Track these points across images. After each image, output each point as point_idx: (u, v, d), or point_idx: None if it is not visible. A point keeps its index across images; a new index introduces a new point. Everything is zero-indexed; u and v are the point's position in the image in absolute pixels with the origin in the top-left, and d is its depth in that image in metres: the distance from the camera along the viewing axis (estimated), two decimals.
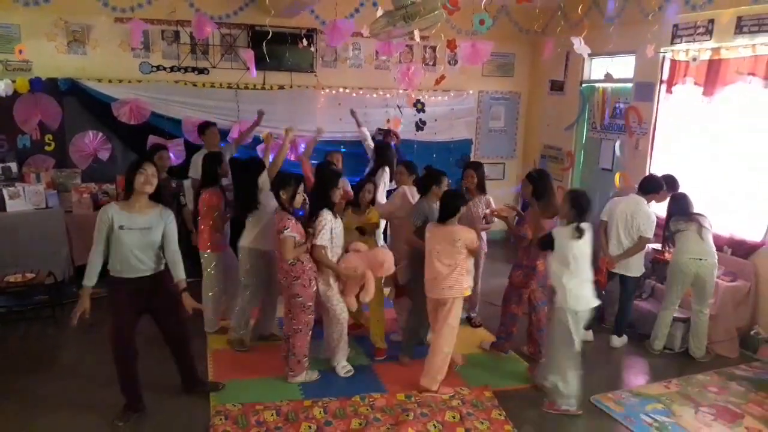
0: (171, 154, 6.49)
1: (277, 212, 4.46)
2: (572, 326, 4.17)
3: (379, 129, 7.69)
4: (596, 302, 4.25)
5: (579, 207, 4.21)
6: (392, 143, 7.05)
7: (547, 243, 4.31)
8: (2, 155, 6.45)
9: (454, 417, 4.12)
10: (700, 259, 5.06)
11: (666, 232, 5.37)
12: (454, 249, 4.39)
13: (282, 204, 4.42)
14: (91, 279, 3.72)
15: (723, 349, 5.33)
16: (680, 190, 5.42)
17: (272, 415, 4.06)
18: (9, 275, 5.43)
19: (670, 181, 5.48)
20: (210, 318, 5.26)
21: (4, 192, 5.88)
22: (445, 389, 4.47)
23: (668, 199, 5.33)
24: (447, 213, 4.46)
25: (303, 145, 7.02)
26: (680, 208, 5.21)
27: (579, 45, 5.19)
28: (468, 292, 4.63)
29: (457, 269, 4.41)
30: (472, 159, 8.36)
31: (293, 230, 4.29)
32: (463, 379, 4.67)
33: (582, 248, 4.18)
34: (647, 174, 5.75)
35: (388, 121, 7.70)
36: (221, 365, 4.76)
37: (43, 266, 5.63)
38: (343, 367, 4.70)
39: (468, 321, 5.72)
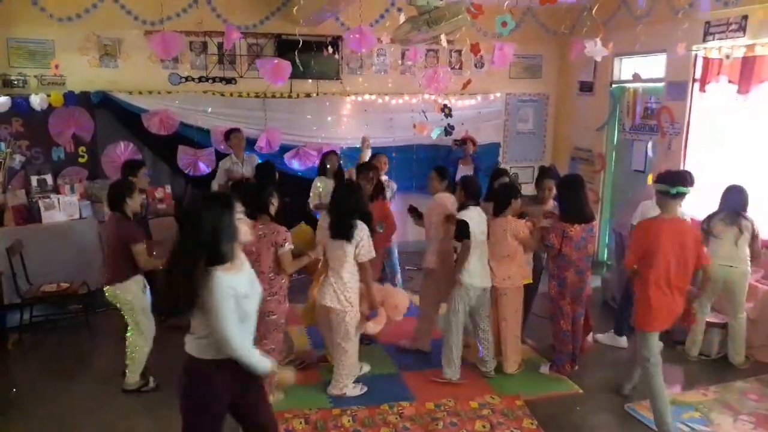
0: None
1: (270, 224, 4.05)
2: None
3: (455, 141, 7.77)
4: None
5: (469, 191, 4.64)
6: (471, 152, 7.34)
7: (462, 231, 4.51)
8: (38, 168, 6.62)
9: (484, 426, 4.06)
10: (731, 266, 4.90)
11: (704, 225, 5.00)
12: (504, 239, 4.63)
13: (270, 214, 4.09)
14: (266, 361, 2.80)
15: (763, 354, 5.15)
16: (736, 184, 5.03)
17: (301, 423, 4.06)
18: (45, 284, 5.55)
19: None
20: None
21: (40, 203, 6.01)
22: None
23: (723, 191, 5.01)
24: (499, 206, 4.70)
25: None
26: (733, 203, 4.90)
27: (594, 48, 5.03)
28: (528, 280, 4.88)
29: (513, 260, 4.68)
30: (501, 162, 8.31)
31: (290, 242, 4.06)
32: (494, 388, 4.61)
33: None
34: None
35: (414, 126, 7.62)
36: None
37: (77, 276, 5.73)
38: (354, 387, 4.45)
39: None
